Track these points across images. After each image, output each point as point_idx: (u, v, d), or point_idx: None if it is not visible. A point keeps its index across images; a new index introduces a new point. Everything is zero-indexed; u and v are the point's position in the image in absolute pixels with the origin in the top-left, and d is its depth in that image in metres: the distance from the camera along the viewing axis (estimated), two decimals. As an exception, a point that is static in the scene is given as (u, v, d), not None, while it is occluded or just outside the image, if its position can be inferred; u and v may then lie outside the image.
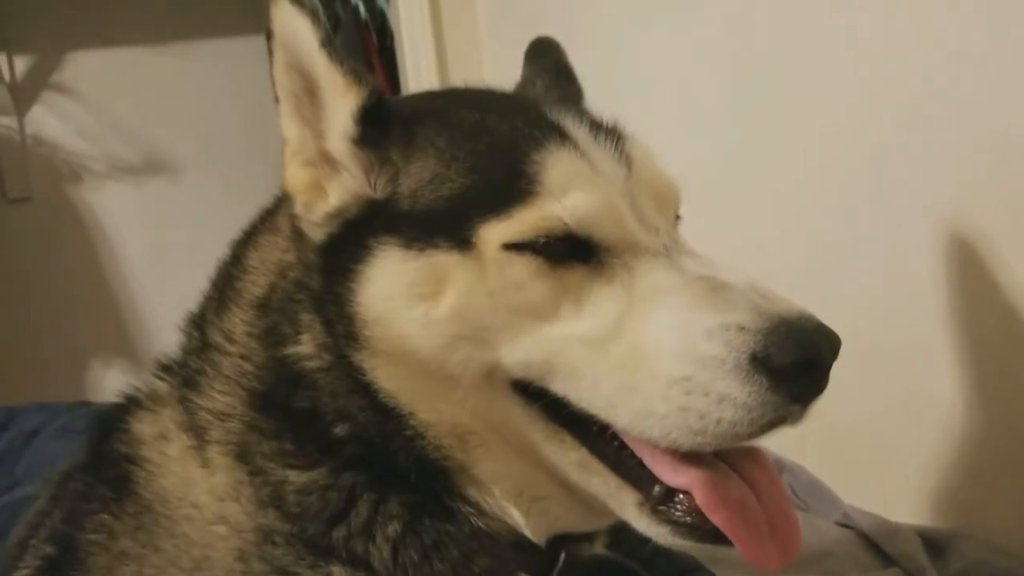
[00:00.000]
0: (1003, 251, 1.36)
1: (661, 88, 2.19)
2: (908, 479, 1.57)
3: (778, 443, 1.86)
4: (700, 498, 0.81)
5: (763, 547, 0.81)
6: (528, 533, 0.91)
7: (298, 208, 0.98)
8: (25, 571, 1.00)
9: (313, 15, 0.93)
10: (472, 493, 0.90)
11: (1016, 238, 1.33)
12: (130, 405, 1.05)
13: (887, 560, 1.40)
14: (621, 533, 1.11)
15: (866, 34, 1.55)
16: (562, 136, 0.91)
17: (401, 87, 3.47)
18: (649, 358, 0.81)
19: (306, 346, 0.91)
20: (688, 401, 0.78)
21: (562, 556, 0.94)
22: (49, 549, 0.98)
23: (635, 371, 0.81)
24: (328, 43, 0.94)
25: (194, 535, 0.90)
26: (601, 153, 0.92)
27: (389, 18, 3.82)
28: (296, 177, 0.98)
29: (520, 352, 0.85)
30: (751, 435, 0.79)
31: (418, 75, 3.28)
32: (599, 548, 1.04)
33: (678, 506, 0.84)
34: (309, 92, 0.97)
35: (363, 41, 3.94)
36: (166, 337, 1.10)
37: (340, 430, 0.89)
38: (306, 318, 0.92)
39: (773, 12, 1.78)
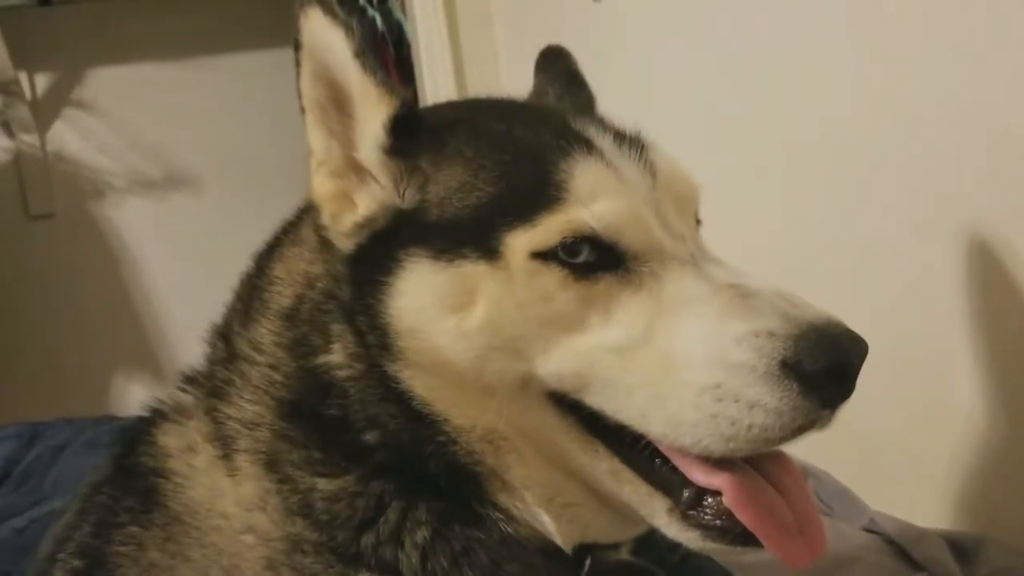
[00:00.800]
0: (1016, 251, 1.35)
1: (681, 98, 2.19)
2: (934, 485, 1.56)
3: (805, 450, 1.86)
4: (730, 499, 0.82)
5: (792, 545, 0.83)
6: (558, 540, 0.91)
7: (325, 219, 0.98)
8: (53, 585, 1.00)
9: (347, 26, 0.94)
10: (502, 499, 0.90)
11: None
12: (155, 418, 1.06)
13: (914, 566, 1.39)
14: (647, 540, 1.11)
15: (885, 42, 1.55)
16: (588, 146, 0.92)
17: (418, 98, 3.47)
18: (679, 366, 0.82)
19: (337, 356, 0.92)
20: (719, 408, 0.79)
21: (588, 562, 0.94)
22: (77, 563, 0.99)
23: (665, 380, 0.82)
24: (362, 54, 0.95)
25: (223, 545, 0.91)
26: (626, 162, 0.93)
27: (406, 30, 3.83)
28: (323, 187, 0.99)
29: (552, 364, 0.86)
30: (781, 440, 0.80)
31: (435, 86, 3.29)
32: (624, 554, 1.03)
33: (707, 510, 0.84)
34: (336, 103, 0.98)
35: (380, 53, 3.95)
36: (188, 351, 1.10)
37: (371, 437, 0.90)
38: (336, 328, 0.93)
39: (792, 23, 1.78)
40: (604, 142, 0.94)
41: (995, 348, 1.42)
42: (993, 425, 1.46)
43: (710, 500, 0.84)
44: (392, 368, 0.89)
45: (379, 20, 3.96)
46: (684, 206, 0.97)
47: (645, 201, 0.91)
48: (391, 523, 0.88)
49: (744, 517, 0.82)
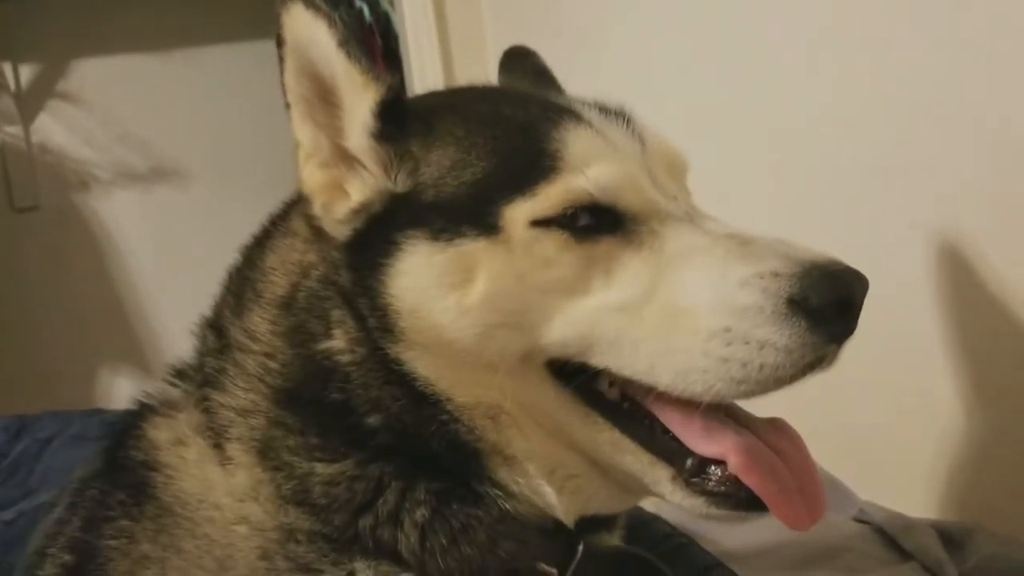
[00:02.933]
0: (1000, 248, 1.36)
1: (672, 90, 2.19)
2: (923, 476, 1.57)
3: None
4: (735, 463, 0.84)
5: (794, 508, 0.84)
6: (559, 512, 0.92)
7: (317, 209, 0.98)
8: (43, 579, 1.00)
9: (329, 17, 0.95)
10: (502, 475, 0.90)
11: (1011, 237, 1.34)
12: (144, 412, 1.06)
13: (904, 555, 1.40)
14: (640, 530, 1.11)
15: (875, 36, 1.55)
16: (576, 117, 0.94)
17: (406, 90, 3.46)
18: (686, 315, 0.83)
19: (339, 341, 0.92)
20: (729, 352, 0.81)
21: (580, 547, 0.94)
22: (67, 557, 0.99)
23: (673, 330, 0.84)
24: (346, 43, 0.95)
25: (216, 536, 0.91)
26: (615, 130, 0.95)
27: (394, 21, 3.82)
28: (313, 178, 0.99)
29: (555, 332, 0.87)
30: (792, 378, 0.82)
31: (423, 78, 3.28)
32: (616, 540, 1.04)
33: (712, 477, 0.86)
34: (321, 96, 0.98)
35: (367, 44, 3.94)
36: (174, 343, 1.10)
37: (373, 420, 0.90)
38: (336, 314, 0.93)
39: (784, 15, 1.78)
40: (591, 113, 0.96)
41: (981, 342, 1.43)
42: (981, 416, 1.46)
43: (714, 467, 0.86)
44: (394, 350, 0.90)
45: (367, 11, 3.95)
46: (675, 171, 0.99)
47: (637, 165, 0.93)
48: (390, 504, 0.88)
49: (750, 480, 0.83)
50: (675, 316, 0.84)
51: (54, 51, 4.72)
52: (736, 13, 1.93)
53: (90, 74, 4.78)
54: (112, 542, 0.95)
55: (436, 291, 0.88)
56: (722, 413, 0.89)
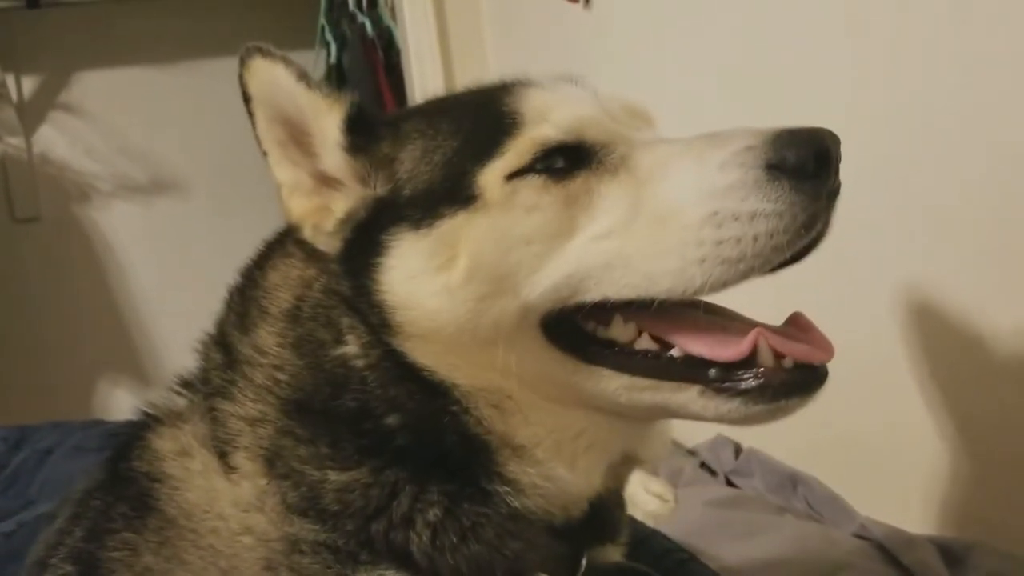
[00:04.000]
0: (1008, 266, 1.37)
1: (671, 104, 2.19)
2: (923, 491, 1.57)
3: (794, 455, 1.87)
4: (771, 342, 0.85)
5: (812, 350, 0.86)
6: (577, 486, 0.93)
7: (307, 234, 1.02)
8: (44, 590, 0.99)
9: (284, 59, 1.00)
10: (512, 469, 0.91)
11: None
12: (148, 422, 1.06)
13: (904, 571, 1.40)
14: (639, 546, 1.12)
15: (881, 52, 1.56)
16: (525, 84, 0.99)
17: (408, 103, 3.48)
18: (674, 215, 0.86)
19: (352, 347, 0.93)
20: (721, 233, 0.83)
21: (584, 562, 0.95)
22: (69, 568, 0.98)
23: (664, 234, 0.86)
24: (303, 76, 1.01)
25: (221, 547, 0.90)
26: (566, 87, 1.00)
27: (396, 35, 3.84)
28: (300, 208, 1.03)
29: (545, 281, 0.89)
30: (790, 243, 0.84)
31: (425, 91, 3.29)
32: (618, 556, 1.04)
33: (742, 378, 0.86)
34: (293, 136, 1.03)
35: (370, 59, 3.96)
36: (174, 354, 1.11)
37: (392, 420, 0.91)
38: (346, 321, 0.94)
39: (783, 29, 1.79)
40: (539, 79, 1.01)
41: (986, 356, 1.43)
42: (979, 432, 1.47)
43: (741, 371, 0.86)
44: (394, 342, 0.92)
45: (369, 25, 3.97)
46: (637, 115, 1.02)
47: (594, 107, 0.97)
48: (403, 507, 0.89)
49: (785, 349, 0.85)
50: (663, 220, 0.86)
51: (56, 63, 4.73)
52: (734, 26, 1.94)
53: (92, 86, 4.79)
54: (115, 554, 0.94)
55: (424, 278, 0.91)
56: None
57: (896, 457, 1.63)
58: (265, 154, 1.03)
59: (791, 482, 1.81)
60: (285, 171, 1.03)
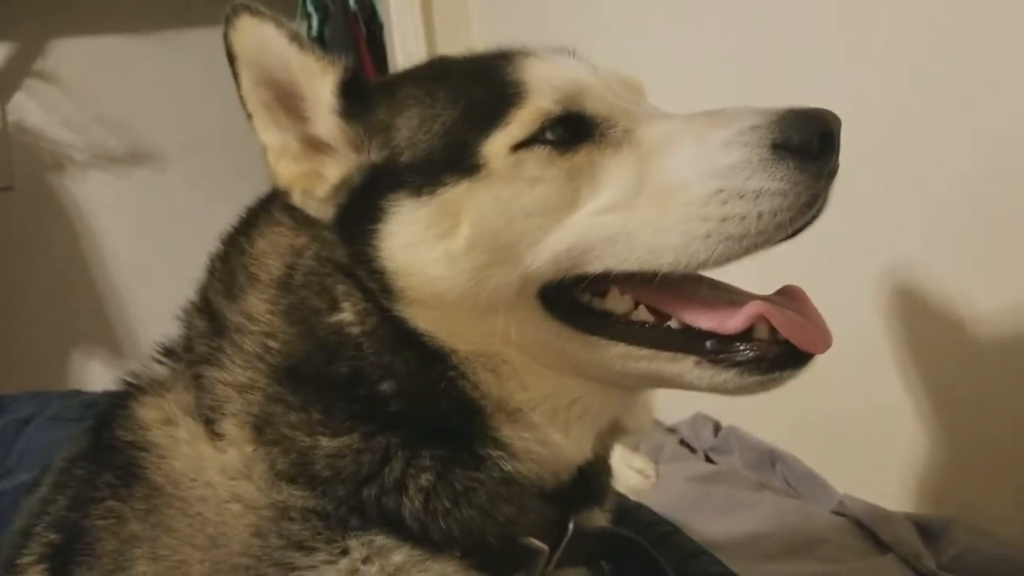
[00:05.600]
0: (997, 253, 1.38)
1: (661, 88, 2.19)
2: (901, 470, 1.59)
3: (773, 434, 1.89)
4: (775, 322, 0.87)
5: (816, 340, 0.87)
6: (570, 451, 0.94)
7: (296, 199, 1.01)
8: (29, 558, 0.99)
9: (274, 19, 0.98)
10: (506, 433, 0.92)
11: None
12: (131, 391, 1.05)
13: (882, 547, 1.42)
14: (624, 518, 1.13)
15: (876, 41, 1.56)
16: (525, 53, 0.99)
17: (389, 68, 3.46)
18: (678, 191, 0.87)
19: (348, 314, 0.93)
20: (726, 210, 0.84)
21: (571, 526, 0.96)
22: (54, 536, 0.98)
23: (668, 209, 0.87)
24: (296, 37, 0.99)
25: (209, 514, 0.90)
26: (565, 59, 1.00)
27: (379, 10, 3.81)
28: (288, 172, 1.02)
29: (546, 252, 0.89)
30: (792, 221, 0.85)
31: (408, 64, 3.27)
32: (603, 522, 1.05)
33: (738, 349, 0.88)
34: (281, 98, 1.01)
35: (352, 31, 3.93)
36: (148, 326, 1.10)
37: (387, 386, 0.91)
38: (341, 288, 0.94)
39: (774, 14, 1.79)
40: (538, 50, 1.01)
41: (966, 338, 1.45)
42: (956, 412, 1.48)
43: (738, 343, 0.88)
44: (395, 308, 0.92)
45: (352, -1, 3.94)
46: (632, 87, 1.03)
47: (596, 79, 0.97)
48: (395, 472, 0.89)
49: (782, 327, 0.86)
50: (668, 195, 0.87)
51: (31, 30, 4.66)
52: (725, 10, 1.94)
53: (68, 54, 4.72)
54: (100, 522, 0.94)
55: (425, 245, 0.91)
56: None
57: (875, 436, 1.65)
58: (250, 116, 1.02)
59: (769, 459, 1.83)
60: (272, 134, 1.02)
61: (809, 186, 0.84)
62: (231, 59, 0.99)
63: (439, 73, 1.02)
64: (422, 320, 0.92)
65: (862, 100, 1.57)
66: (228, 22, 0.98)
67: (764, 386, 0.87)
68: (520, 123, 0.91)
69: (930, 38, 1.43)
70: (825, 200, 0.87)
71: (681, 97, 2.08)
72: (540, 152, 0.90)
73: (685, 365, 0.90)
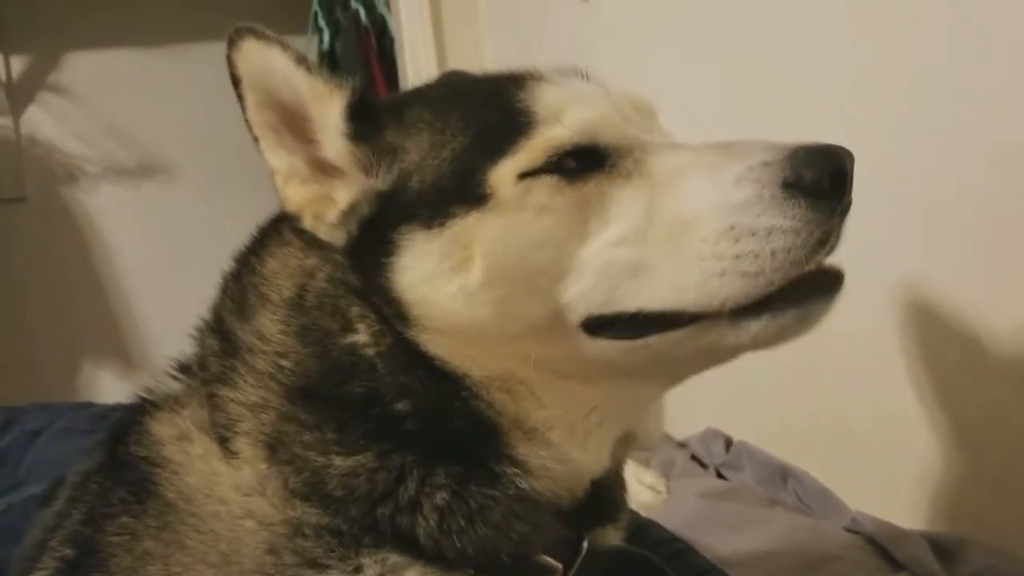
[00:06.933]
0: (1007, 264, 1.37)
1: (668, 97, 2.19)
2: (914, 487, 1.58)
3: (785, 450, 1.88)
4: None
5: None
6: (588, 464, 0.94)
7: (308, 223, 1.00)
8: (43, 572, 0.98)
9: (280, 42, 0.97)
10: (522, 451, 0.91)
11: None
12: (145, 407, 1.05)
13: (896, 565, 1.41)
14: (635, 535, 1.12)
15: (883, 43, 1.57)
16: (537, 78, 0.97)
17: (401, 91, 3.47)
18: (690, 227, 0.85)
19: (362, 335, 0.92)
20: (739, 248, 0.83)
21: (584, 545, 0.95)
22: (68, 551, 0.97)
23: (681, 245, 0.85)
24: (302, 60, 0.98)
25: (222, 531, 0.90)
26: (577, 83, 0.98)
27: (389, 23, 3.83)
28: (297, 195, 1.00)
29: (573, 286, 0.88)
30: (807, 259, 0.83)
31: (419, 79, 3.27)
32: (617, 540, 1.05)
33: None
34: (288, 121, 1.00)
35: (363, 46, 3.94)
36: (159, 338, 1.10)
37: (402, 406, 0.90)
38: (355, 311, 0.93)
39: (779, 20, 1.79)
40: (549, 73, 0.99)
41: (980, 352, 1.44)
42: (972, 427, 1.48)
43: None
44: (411, 334, 0.91)
45: (363, 13, 3.96)
46: (645, 112, 1.02)
47: (607, 106, 0.96)
48: (410, 491, 0.88)
49: None
50: (680, 231, 0.86)
51: (45, 43, 4.69)
52: (731, 18, 1.95)
53: (81, 67, 4.75)
54: (114, 538, 0.94)
55: (440, 279, 0.89)
56: None
57: (888, 452, 1.64)
58: (256, 139, 1.01)
59: (781, 475, 1.82)
60: (279, 158, 1.01)
61: (821, 224, 0.83)
62: (235, 82, 0.98)
63: (450, 96, 1.00)
64: (435, 346, 0.91)
65: (870, 108, 1.57)
66: (232, 45, 0.97)
67: (801, 321, 0.85)
68: (529, 152, 0.89)
69: (935, 40, 1.43)
70: (838, 237, 0.85)
71: (684, 101, 2.10)
72: (548, 181, 0.88)
73: (719, 325, 0.86)
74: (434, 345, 0.91)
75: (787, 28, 1.78)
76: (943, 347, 1.51)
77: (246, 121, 1.00)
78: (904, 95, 1.51)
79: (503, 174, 0.89)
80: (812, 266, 0.84)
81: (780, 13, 1.80)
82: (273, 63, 0.98)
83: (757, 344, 0.87)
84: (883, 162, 1.54)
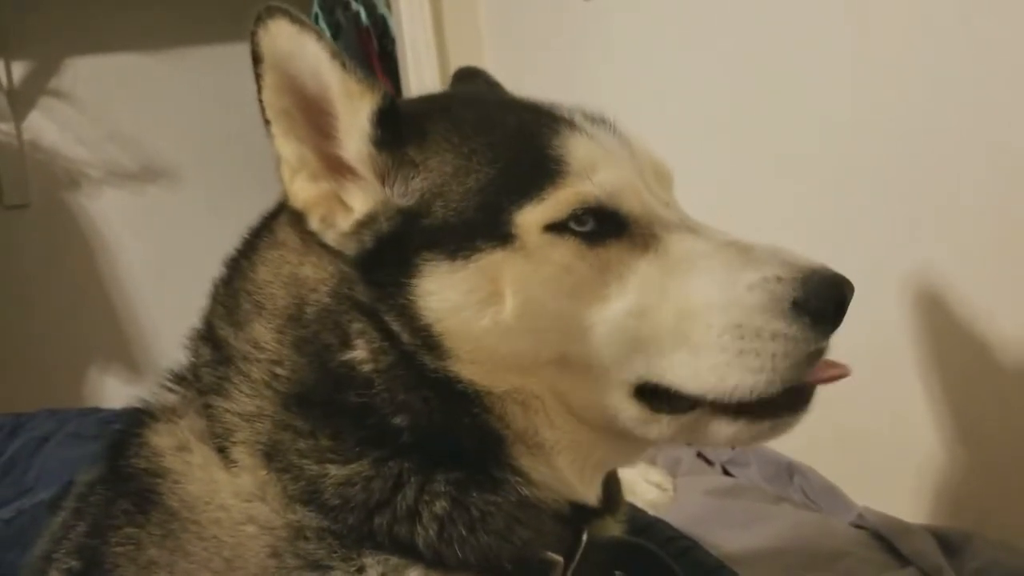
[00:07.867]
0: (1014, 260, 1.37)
1: (672, 98, 2.19)
2: (920, 483, 1.58)
3: (790, 446, 1.88)
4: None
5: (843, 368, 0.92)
6: (582, 495, 0.95)
7: (314, 224, 0.98)
8: (49, 584, 0.99)
9: (316, 31, 0.95)
10: (525, 463, 0.92)
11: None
12: (142, 418, 1.05)
13: (903, 560, 1.41)
14: (641, 534, 1.12)
15: (882, 44, 1.56)
16: (570, 124, 0.97)
17: (402, 92, 3.47)
18: (699, 313, 0.88)
19: (361, 352, 0.91)
20: (743, 345, 0.87)
21: (584, 537, 0.95)
22: (74, 563, 0.97)
23: (691, 329, 0.88)
24: (338, 54, 0.95)
25: (224, 536, 0.90)
26: (607, 137, 0.98)
27: (390, 24, 3.83)
28: (305, 192, 0.98)
29: (597, 338, 0.90)
30: (803, 364, 0.87)
31: (420, 80, 3.29)
32: (617, 531, 1.05)
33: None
34: (303, 109, 0.97)
35: (364, 46, 3.95)
36: (163, 342, 1.09)
37: (400, 420, 0.90)
38: (356, 327, 0.92)
39: (784, 22, 1.79)
40: (582, 120, 0.99)
41: (985, 348, 1.44)
42: (982, 422, 1.48)
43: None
44: (439, 364, 0.90)
45: (363, 13, 3.96)
46: (662, 178, 1.02)
47: (632, 171, 0.96)
48: (408, 499, 0.88)
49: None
50: (689, 314, 0.88)
51: (47, 48, 4.69)
52: (735, 19, 1.94)
53: (83, 72, 4.75)
54: (119, 548, 0.94)
55: (470, 310, 0.89)
56: None
57: (894, 448, 1.64)
58: (267, 122, 0.98)
59: (788, 472, 1.82)
60: (290, 146, 0.98)
61: (817, 341, 0.87)
62: (256, 60, 0.95)
63: (477, 120, 0.98)
64: (466, 371, 0.90)
65: (877, 112, 1.57)
66: (260, 21, 0.94)
67: (774, 431, 0.91)
68: (555, 203, 0.89)
69: (942, 41, 1.43)
70: (826, 350, 0.90)
71: (684, 101, 2.10)
72: (571, 242, 0.89)
73: (718, 424, 0.92)
74: (467, 372, 0.91)
75: (789, 27, 1.78)
76: (950, 344, 1.51)
77: (260, 102, 0.97)
78: (909, 95, 1.51)
79: (529, 219, 0.89)
80: (801, 380, 0.88)
81: (781, 13, 1.80)
82: (305, 50, 0.94)
83: (731, 443, 0.95)
84: (892, 160, 1.54)
